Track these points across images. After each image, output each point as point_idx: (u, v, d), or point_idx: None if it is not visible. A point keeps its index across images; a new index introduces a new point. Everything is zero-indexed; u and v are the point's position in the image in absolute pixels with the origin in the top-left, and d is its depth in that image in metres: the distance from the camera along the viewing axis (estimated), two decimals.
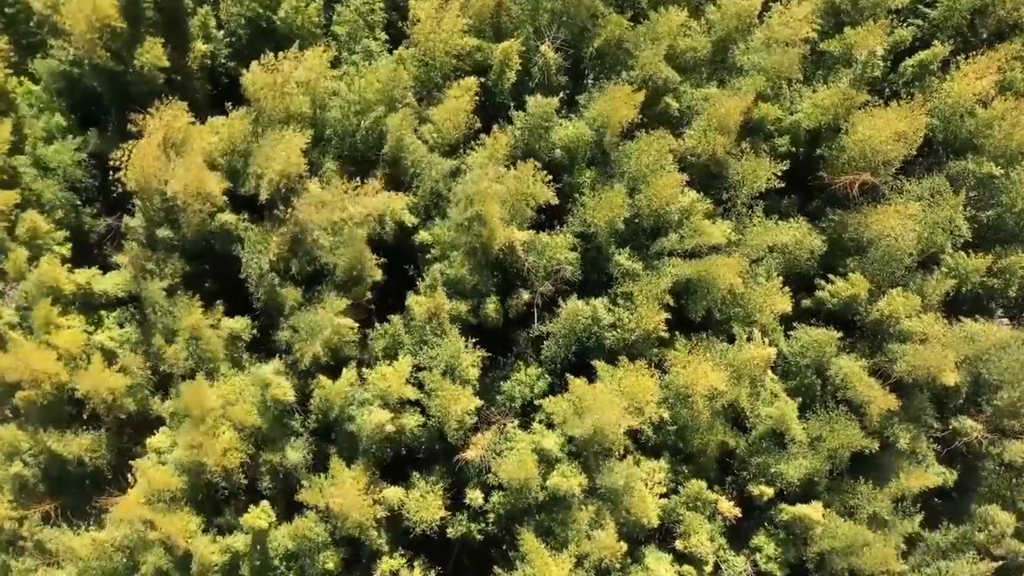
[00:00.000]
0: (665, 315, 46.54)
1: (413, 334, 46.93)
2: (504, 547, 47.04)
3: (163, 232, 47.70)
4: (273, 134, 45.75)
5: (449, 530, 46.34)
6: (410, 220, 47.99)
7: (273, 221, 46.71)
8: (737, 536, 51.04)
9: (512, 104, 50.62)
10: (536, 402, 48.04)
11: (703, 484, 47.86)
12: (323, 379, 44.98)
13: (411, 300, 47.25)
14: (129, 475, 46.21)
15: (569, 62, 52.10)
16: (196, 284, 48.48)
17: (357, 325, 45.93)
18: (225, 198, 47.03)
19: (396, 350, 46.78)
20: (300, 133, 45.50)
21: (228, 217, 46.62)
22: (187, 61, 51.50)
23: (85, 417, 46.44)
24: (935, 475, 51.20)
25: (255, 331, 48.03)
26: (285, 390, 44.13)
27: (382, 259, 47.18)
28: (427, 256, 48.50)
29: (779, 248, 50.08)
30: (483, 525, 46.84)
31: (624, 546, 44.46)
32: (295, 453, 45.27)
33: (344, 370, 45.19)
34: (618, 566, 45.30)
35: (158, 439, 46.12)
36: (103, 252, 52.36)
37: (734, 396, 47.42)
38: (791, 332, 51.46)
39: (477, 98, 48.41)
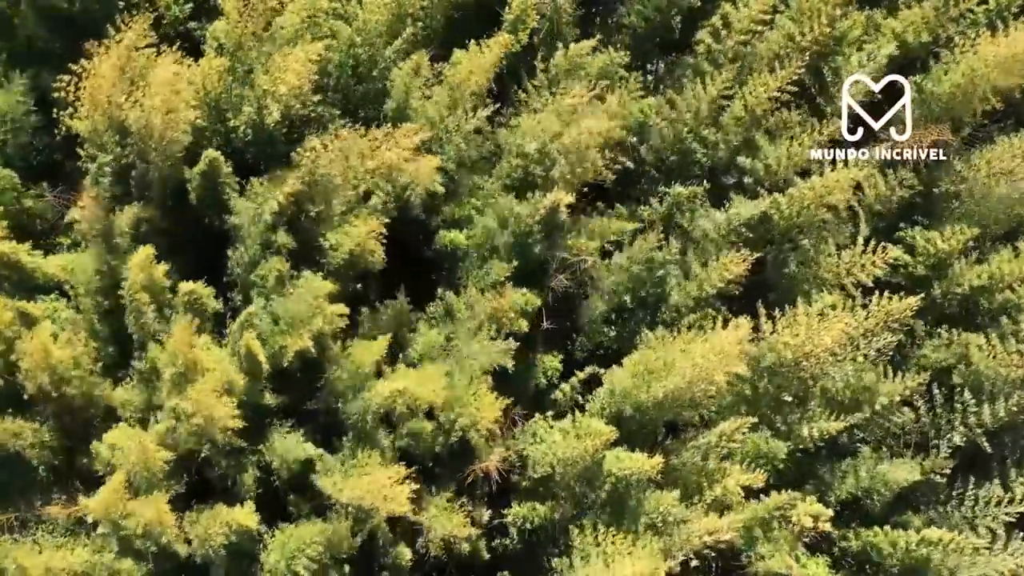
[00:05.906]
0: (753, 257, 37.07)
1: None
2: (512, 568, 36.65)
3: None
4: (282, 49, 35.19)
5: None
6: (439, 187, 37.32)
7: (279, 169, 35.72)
8: None
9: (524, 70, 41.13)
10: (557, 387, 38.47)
11: (813, 499, 36.41)
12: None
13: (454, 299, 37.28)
14: (76, 481, 34.73)
15: (582, 11, 43.82)
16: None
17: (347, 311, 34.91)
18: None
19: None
20: (312, 43, 34.60)
21: (216, 154, 34.23)
22: None
23: (26, 397, 34.23)
24: None
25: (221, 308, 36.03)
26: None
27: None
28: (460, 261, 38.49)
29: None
30: (499, 540, 36.23)
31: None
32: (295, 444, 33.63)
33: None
34: None
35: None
36: (48, 240, 40.16)
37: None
38: None
39: None
